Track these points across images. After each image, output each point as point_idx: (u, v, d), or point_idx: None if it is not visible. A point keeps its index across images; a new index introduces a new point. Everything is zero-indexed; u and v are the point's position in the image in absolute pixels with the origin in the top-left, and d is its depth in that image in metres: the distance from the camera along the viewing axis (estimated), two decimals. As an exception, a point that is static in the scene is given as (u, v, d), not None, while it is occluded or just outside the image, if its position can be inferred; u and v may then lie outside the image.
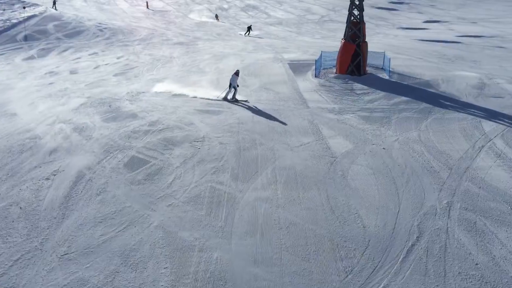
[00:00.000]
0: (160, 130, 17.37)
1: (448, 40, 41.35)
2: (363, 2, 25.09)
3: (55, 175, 13.97)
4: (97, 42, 41.13)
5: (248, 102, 21.23)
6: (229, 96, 21.46)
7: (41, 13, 47.20)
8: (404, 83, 23.39)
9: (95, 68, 31.28)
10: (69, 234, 11.06)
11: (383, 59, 26.07)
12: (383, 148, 15.78)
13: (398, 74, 24.72)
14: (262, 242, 10.79)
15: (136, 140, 16.47)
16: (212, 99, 21.60)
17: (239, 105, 20.66)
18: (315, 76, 24.76)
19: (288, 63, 28.85)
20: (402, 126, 17.86)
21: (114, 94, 22.89)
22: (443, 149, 15.65)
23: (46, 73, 29.13)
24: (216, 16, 59.78)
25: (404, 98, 20.96)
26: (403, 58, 29.93)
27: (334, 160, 14.90)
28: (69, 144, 16.24)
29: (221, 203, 12.45)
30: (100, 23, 47.06)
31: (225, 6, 70.13)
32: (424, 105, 20.12)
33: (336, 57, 26.84)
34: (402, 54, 32.11)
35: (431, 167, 14.38)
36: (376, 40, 40.34)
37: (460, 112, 19.25)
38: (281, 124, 18.13)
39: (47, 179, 13.73)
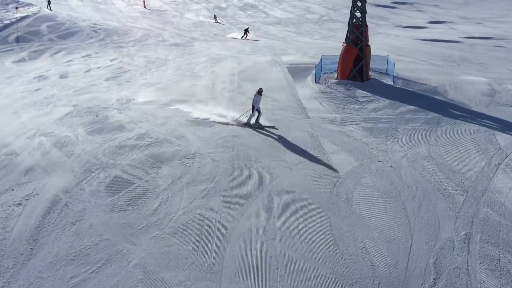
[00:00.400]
0: (148, 144, 15.82)
1: (451, 40, 39.76)
2: (366, 4, 23.46)
3: (27, 199, 12.44)
4: (91, 43, 39.50)
5: (276, 128, 17.43)
6: (252, 121, 17.78)
7: (34, 14, 45.54)
8: (410, 89, 21.82)
9: (86, 71, 29.70)
10: (35, 276, 9.54)
11: (387, 63, 24.49)
12: (391, 166, 14.25)
13: (403, 79, 23.14)
14: (256, 286, 9.27)
15: (121, 156, 14.92)
16: (229, 123, 17.95)
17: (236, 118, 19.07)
18: (315, 82, 23.19)
19: (287, 67, 27.24)
20: (409, 140, 16.31)
21: (102, 102, 21.34)
22: (456, 167, 14.12)
23: (34, 78, 27.56)
24: (215, 17, 57.23)
25: (410, 107, 19.40)
26: (407, 61, 28.34)
27: (337, 181, 13.37)
28: (47, 161, 14.69)
29: (210, 235, 10.93)
30: (94, 24, 45.42)
31: (223, 5, 68.40)
32: (432, 114, 18.56)
33: (337, 61, 25.31)
34: (405, 56, 30.52)
35: (445, 189, 12.85)
36: (378, 41, 38.70)
37: (471, 123, 17.69)
38: (279, 137, 16.59)
39: (19, 204, 12.19)
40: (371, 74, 23.99)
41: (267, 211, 11.84)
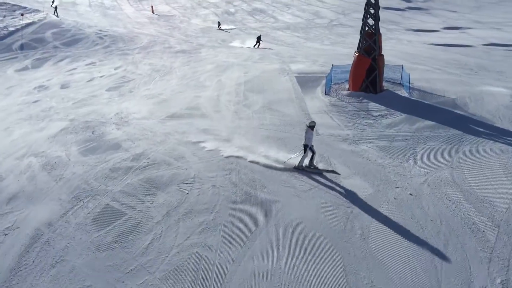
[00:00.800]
0: (144, 167, 14.37)
1: (464, 44, 37.94)
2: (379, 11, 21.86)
3: (6, 234, 11.05)
4: (96, 50, 38.26)
5: (338, 173, 13.91)
6: (305, 163, 14.15)
7: (40, 20, 44.45)
8: (426, 102, 20.16)
9: (88, 81, 28.40)
10: (2, 336, 8.11)
11: (401, 73, 22.84)
12: (410, 194, 12.66)
13: (419, 90, 21.47)
14: None
15: (114, 181, 13.48)
16: (277, 167, 14.32)
17: (240, 135, 17.56)
18: (326, 94, 21.61)
19: (296, 76, 25.68)
20: (430, 161, 14.69)
21: (101, 116, 19.96)
22: (484, 196, 12.48)
23: (35, 88, 26.30)
24: (219, 24, 54.73)
25: (428, 122, 17.75)
26: (421, 69, 26.63)
27: (351, 212, 11.80)
28: (33, 187, 13.31)
29: (207, 281, 9.43)
30: (100, 30, 44.20)
31: (232, 10, 67.02)
32: (452, 131, 16.90)
33: (348, 70, 23.74)
34: (419, 64, 28.80)
35: (473, 223, 11.23)
36: (389, 47, 36.95)
37: (496, 141, 16.01)
38: (286, 158, 15.03)
39: (-4, 240, 10.79)
40: (385, 84, 22.36)
41: (272, 250, 10.31)
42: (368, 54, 21.58)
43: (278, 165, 14.33)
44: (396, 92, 21.61)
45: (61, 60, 35.00)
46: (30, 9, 50.15)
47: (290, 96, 21.95)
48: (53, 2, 51.00)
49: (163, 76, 29.29)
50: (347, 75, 23.34)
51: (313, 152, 14.11)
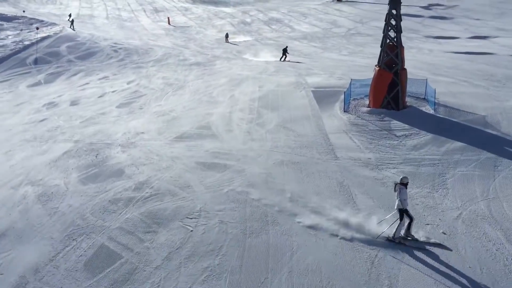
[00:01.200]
0: (147, 198, 13.00)
1: (489, 52, 35.92)
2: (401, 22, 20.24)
3: (-12, 282, 9.74)
4: (110, 64, 37.28)
5: (449, 249, 10.38)
6: (401, 232, 10.88)
7: (56, 34, 43.80)
8: (454, 120, 18.41)
9: (99, 97, 27.29)
10: None
11: (425, 87, 21.12)
12: (443, 233, 11.01)
13: (445, 106, 19.72)
14: None
15: (113, 215, 12.14)
16: (376, 239, 10.93)
17: (253, 159, 16.09)
18: (344, 111, 20.02)
19: (312, 91, 24.16)
20: (462, 191, 13.00)
21: (107, 136, 18.73)
22: (528, 235, 10.77)
23: (44, 105, 25.25)
24: (226, 36, 51.58)
25: (458, 144, 16.02)
26: (446, 81, 24.82)
27: (376, 255, 10.21)
28: (25, 223, 12.04)
29: None
30: (115, 43, 43.31)
31: (248, 20, 65.85)
32: (485, 154, 15.15)
33: (367, 84, 22.16)
34: (442, 75, 26.98)
35: (519, 271, 9.53)
36: (410, 57, 35.08)
37: (536, 166, 14.24)
38: (301, 188, 13.52)
39: (-25, 290, 9.50)
40: (408, 100, 20.69)
41: (285, 307, 8.79)
42: (390, 68, 19.96)
43: (376, 238, 10.84)
44: (421, 108, 19.92)
45: (74, 75, 34.07)
46: (47, 22, 49.68)
47: (306, 113, 20.43)
48: (70, 16, 50.48)
49: (176, 90, 28.06)
50: (367, 89, 21.76)
51: (411, 218, 10.78)
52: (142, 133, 19.08)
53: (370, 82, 21.57)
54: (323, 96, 22.80)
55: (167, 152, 16.47)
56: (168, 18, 64.66)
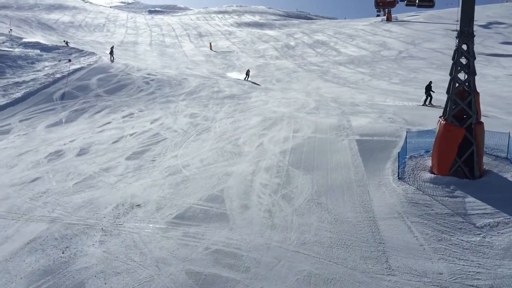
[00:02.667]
0: None
1: None
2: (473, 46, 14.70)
3: None
4: (139, 98, 33.51)
5: None
6: None
7: (90, 65, 40.79)
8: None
9: (114, 142, 23.23)
10: None
11: (508, 143, 15.37)
12: None
13: (539, 172, 13.96)
14: None
15: None
16: None
17: (268, 267, 11.10)
18: (399, 177, 14.62)
19: (357, 140, 18.95)
20: None
21: (94, 212, 14.32)
22: None
23: (47, 156, 21.38)
24: (247, 73, 41.10)
25: None
26: (528, 127, 18.83)
27: None
28: None
29: None
30: (149, 74, 39.69)
31: (292, 43, 61.14)
32: None
33: (428, 131, 16.81)
34: (521, 116, 20.97)
35: None
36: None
37: None
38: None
39: None
40: (484, 160, 15.03)
41: None
42: (460, 121, 14.43)
43: None
44: (504, 175, 14.22)
45: (99, 111, 30.44)
46: (86, 52, 47.06)
47: (348, 179, 15.20)
48: (112, 48, 47.12)
49: (200, 134, 23.59)
50: (427, 140, 16.38)
51: None
52: (138, 206, 14.56)
53: (430, 129, 16.25)
54: (370, 149, 17.55)
55: (156, 248, 11.75)
56: (210, 43, 61.11)
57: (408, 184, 14.15)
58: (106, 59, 43.59)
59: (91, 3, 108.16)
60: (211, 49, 59.06)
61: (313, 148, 18.88)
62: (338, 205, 13.31)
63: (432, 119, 21.52)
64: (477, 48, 45.01)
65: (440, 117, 14.98)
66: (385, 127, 20.72)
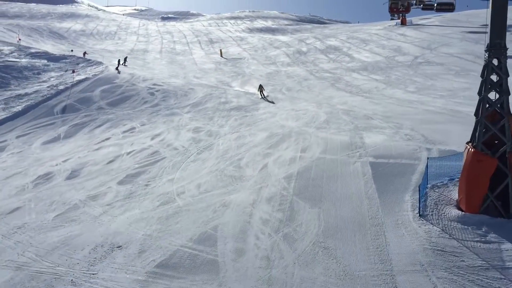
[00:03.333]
0: None
1: None
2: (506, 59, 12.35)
3: None
4: (142, 110, 31.68)
5: None
6: None
7: (95, 75, 39.16)
8: None
9: (109, 162, 21.40)
10: None
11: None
12: None
13: None
14: None
15: None
16: None
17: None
18: (420, 215, 12.32)
19: (371, 163, 16.73)
20: None
21: (68, 256, 12.35)
22: None
23: (35, 180, 19.55)
24: (260, 89, 35.19)
25: None
26: None
27: None
28: None
29: None
30: (154, 84, 37.84)
31: (304, 49, 58.86)
32: None
33: (451, 154, 14.56)
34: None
35: None
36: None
37: None
38: None
39: None
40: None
41: None
42: (491, 148, 12.10)
43: None
44: (546, 213, 11.81)
45: (99, 126, 28.67)
46: (93, 61, 45.54)
47: (361, 214, 12.97)
48: (120, 61, 45.15)
49: (201, 152, 21.62)
50: (451, 165, 14.13)
51: None
52: (119, 247, 12.54)
53: (454, 150, 14.00)
54: (386, 175, 15.32)
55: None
56: (220, 50, 59.21)
57: (431, 223, 11.86)
58: (112, 70, 41.88)
59: (104, 11, 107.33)
60: (221, 56, 57.16)
61: (322, 172, 16.69)
62: (349, 252, 11.09)
63: (454, 136, 19.21)
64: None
65: (467, 143, 12.64)
66: (402, 147, 18.44)
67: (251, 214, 13.92)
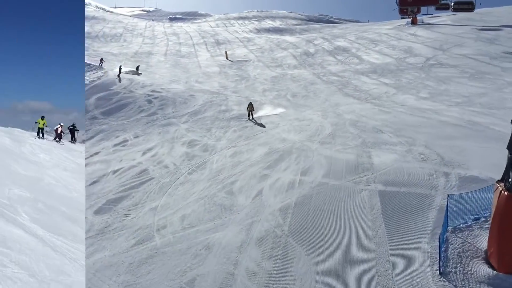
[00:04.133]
0: None
1: None
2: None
3: None
4: (138, 120, 29.45)
5: None
6: None
7: (92, 81, 37.09)
8: None
9: (92, 183, 19.15)
10: None
11: None
12: None
13: None
14: None
15: None
16: None
17: None
18: (440, 273, 9.76)
19: (380, 192, 14.19)
20: None
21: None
22: None
23: None
24: (249, 109, 28.51)
25: None
26: None
27: None
28: None
29: None
30: (153, 91, 35.60)
31: (311, 50, 56.15)
32: None
33: (476, 192, 11.99)
34: None
35: None
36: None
37: None
38: None
39: None
40: None
41: None
42: (529, 190, 9.47)
43: None
44: None
45: (90, 138, 26.50)
46: (93, 66, 43.45)
47: (368, 268, 10.45)
48: (137, 68, 42.79)
49: (192, 172, 19.27)
50: (475, 196, 11.60)
51: None
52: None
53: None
54: (397, 210, 12.79)
55: None
56: (226, 52, 56.78)
57: (454, 285, 9.28)
58: (111, 75, 39.72)
59: (112, 12, 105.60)
60: (227, 58, 54.75)
61: (323, 204, 14.18)
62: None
63: (475, 156, 16.57)
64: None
65: (497, 182, 10.01)
66: (415, 170, 15.84)
67: (237, 262, 11.48)
